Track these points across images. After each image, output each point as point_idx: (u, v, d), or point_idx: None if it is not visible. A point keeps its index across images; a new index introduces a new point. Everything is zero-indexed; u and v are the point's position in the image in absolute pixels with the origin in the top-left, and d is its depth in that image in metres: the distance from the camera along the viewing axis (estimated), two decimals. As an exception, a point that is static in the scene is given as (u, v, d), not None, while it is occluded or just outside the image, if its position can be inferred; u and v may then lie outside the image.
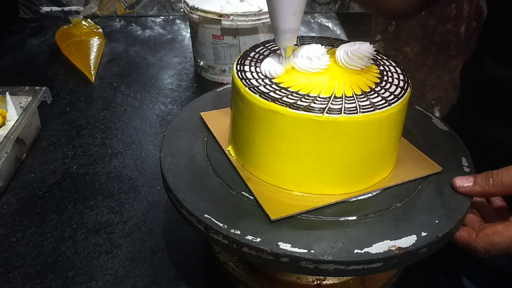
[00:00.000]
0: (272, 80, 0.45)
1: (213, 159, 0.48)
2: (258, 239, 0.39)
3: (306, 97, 0.42)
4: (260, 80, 0.45)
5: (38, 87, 0.74)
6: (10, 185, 0.64)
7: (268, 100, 0.42)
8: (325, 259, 0.38)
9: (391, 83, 0.45)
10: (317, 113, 0.40)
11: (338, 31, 1.12)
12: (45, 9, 1.17)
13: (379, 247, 0.38)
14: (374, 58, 0.49)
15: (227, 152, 0.49)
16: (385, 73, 0.47)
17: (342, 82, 0.45)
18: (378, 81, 0.46)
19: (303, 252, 0.38)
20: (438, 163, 0.48)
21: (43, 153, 0.71)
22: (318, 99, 0.42)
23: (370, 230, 0.40)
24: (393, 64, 0.49)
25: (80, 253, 0.54)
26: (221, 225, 0.40)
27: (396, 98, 0.43)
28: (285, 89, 0.43)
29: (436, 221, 0.41)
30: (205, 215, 0.41)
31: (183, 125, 0.53)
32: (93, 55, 0.95)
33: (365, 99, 0.42)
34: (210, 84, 0.89)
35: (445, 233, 0.40)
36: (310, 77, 0.46)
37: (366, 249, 0.38)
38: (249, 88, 0.43)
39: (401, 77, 0.47)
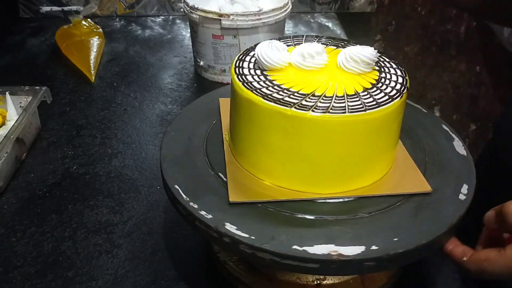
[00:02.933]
0: (268, 77, 0.46)
1: (211, 140, 0.51)
2: (210, 216, 0.41)
3: (288, 91, 0.43)
4: (256, 77, 0.46)
5: (38, 87, 0.74)
6: (10, 185, 0.64)
7: (251, 90, 0.43)
8: (262, 247, 0.38)
9: (387, 85, 0.45)
10: (287, 107, 0.41)
11: (338, 31, 1.12)
12: (45, 8, 1.17)
13: (320, 249, 0.38)
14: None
15: (224, 135, 0.51)
16: (383, 75, 0.47)
17: (335, 82, 0.44)
18: (375, 82, 0.45)
19: (244, 237, 0.39)
20: (433, 183, 0.44)
21: (43, 153, 0.71)
22: (309, 97, 0.42)
23: (319, 232, 0.40)
24: (394, 66, 0.48)
25: (80, 253, 0.54)
26: (185, 197, 0.43)
27: (391, 99, 0.43)
28: (274, 83, 0.45)
29: (395, 239, 0.39)
30: (175, 186, 0.44)
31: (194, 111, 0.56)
32: (93, 55, 0.95)
33: (356, 99, 0.42)
34: (210, 84, 0.89)
35: (397, 253, 0.38)
36: (305, 75, 0.46)
37: (305, 248, 0.38)
38: (239, 80, 0.45)
39: (400, 79, 0.46)
